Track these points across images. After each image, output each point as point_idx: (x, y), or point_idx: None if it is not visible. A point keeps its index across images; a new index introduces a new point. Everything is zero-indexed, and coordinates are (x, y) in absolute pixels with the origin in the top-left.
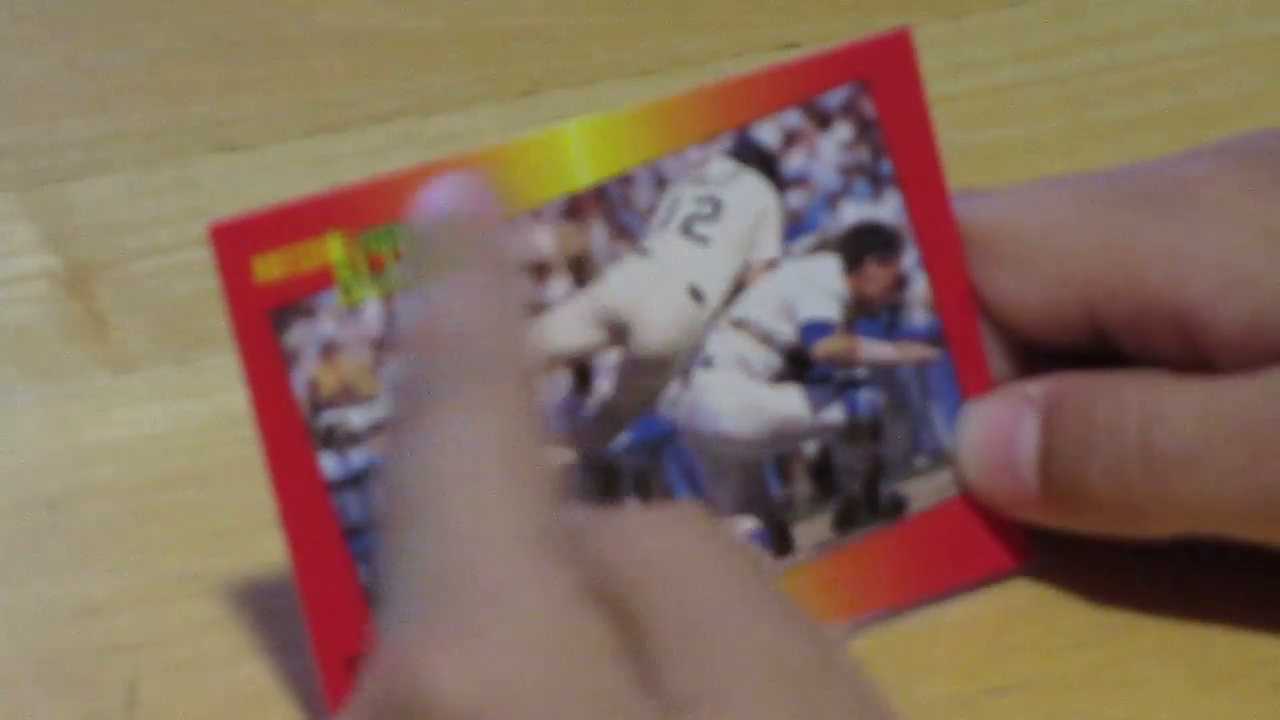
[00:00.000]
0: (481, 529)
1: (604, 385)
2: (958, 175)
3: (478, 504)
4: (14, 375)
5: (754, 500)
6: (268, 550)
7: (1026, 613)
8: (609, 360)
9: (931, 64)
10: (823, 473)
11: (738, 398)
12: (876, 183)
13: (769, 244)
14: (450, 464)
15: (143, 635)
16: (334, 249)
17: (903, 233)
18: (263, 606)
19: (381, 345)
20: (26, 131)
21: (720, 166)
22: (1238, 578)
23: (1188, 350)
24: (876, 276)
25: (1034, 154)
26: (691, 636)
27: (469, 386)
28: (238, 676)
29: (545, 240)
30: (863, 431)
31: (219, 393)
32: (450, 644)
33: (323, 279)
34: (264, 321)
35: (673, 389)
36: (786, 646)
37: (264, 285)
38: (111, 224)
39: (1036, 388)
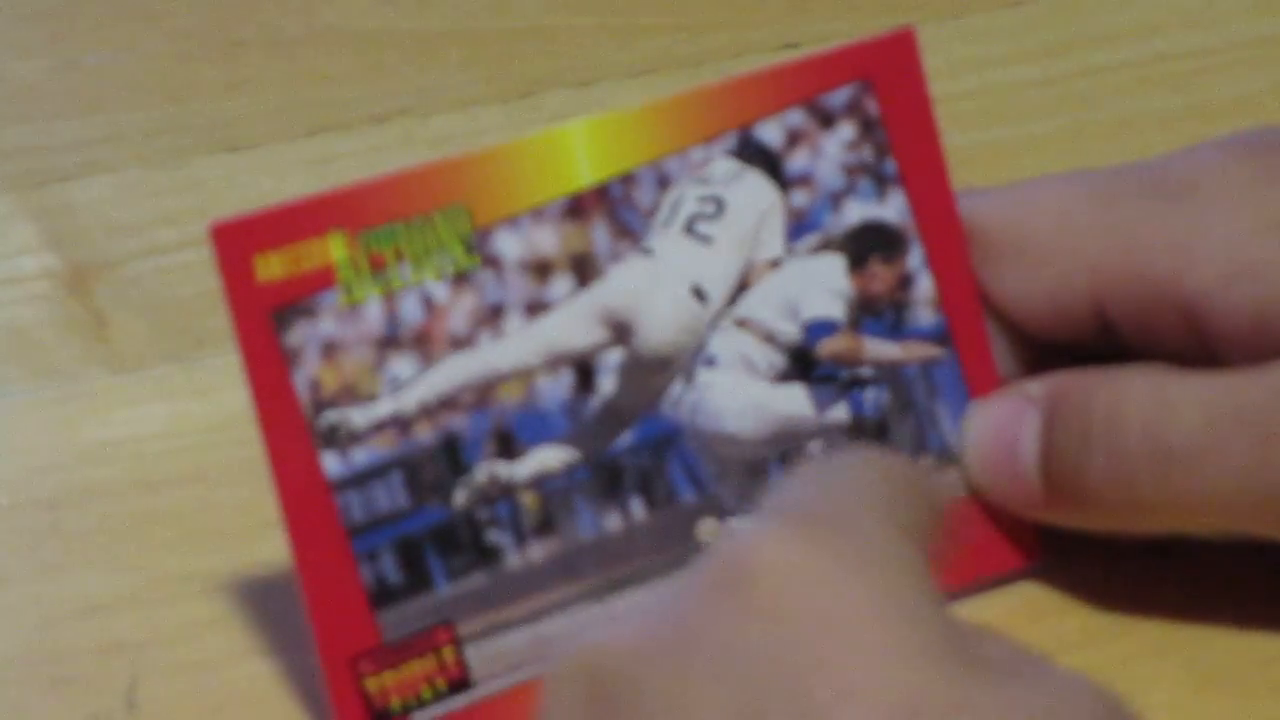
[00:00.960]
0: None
1: (606, 384)
2: (958, 176)
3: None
4: (14, 375)
5: (759, 499)
6: (268, 550)
7: (1026, 613)
8: (611, 359)
9: (931, 64)
10: None
11: (741, 397)
12: (880, 182)
13: (772, 243)
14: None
15: (143, 635)
16: (335, 248)
17: (907, 232)
18: (263, 606)
19: (383, 344)
20: (26, 132)
21: (723, 166)
22: (1237, 578)
23: (1193, 341)
24: (881, 275)
25: (1034, 154)
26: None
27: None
28: (237, 676)
29: (547, 240)
30: (869, 431)
31: (219, 392)
32: (793, 537)
33: (324, 278)
34: (265, 321)
35: (676, 388)
36: None
37: (265, 285)
38: (112, 224)
39: (1038, 386)
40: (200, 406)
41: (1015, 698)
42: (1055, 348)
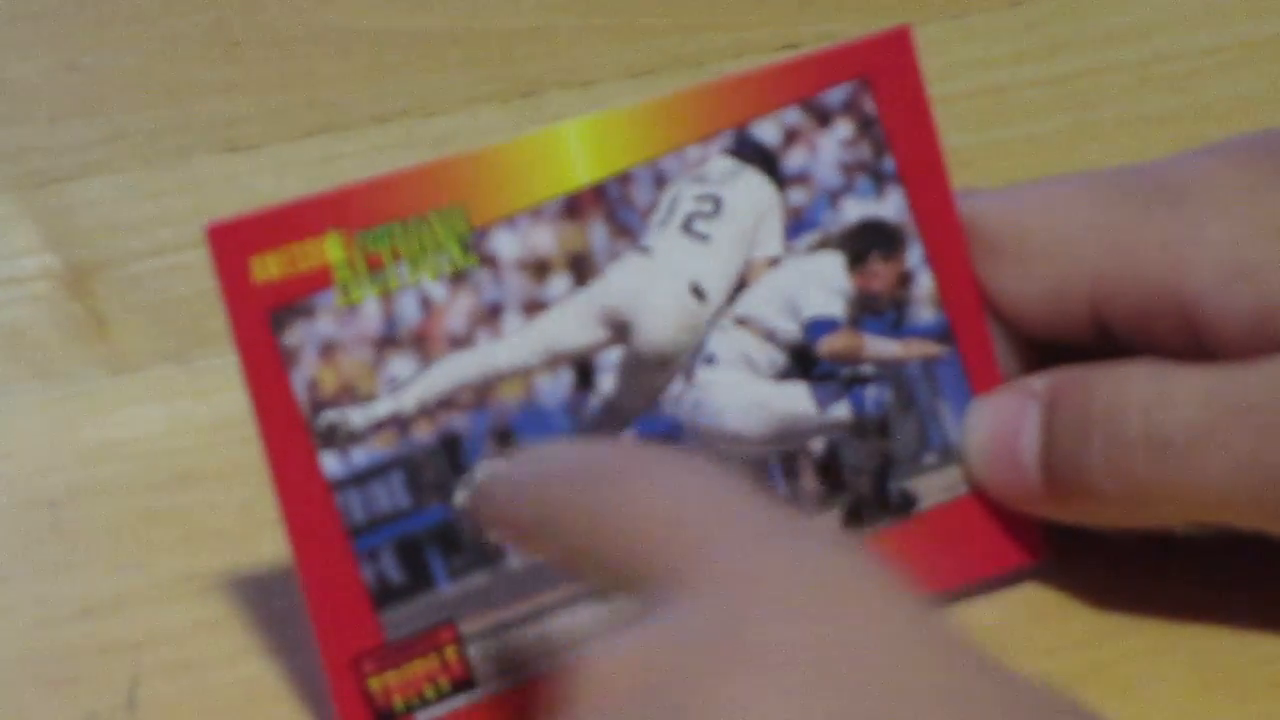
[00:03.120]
0: None
1: (606, 383)
2: (958, 176)
3: None
4: (15, 375)
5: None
6: (268, 550)
7: (1026, 613)
8: (611, 358)
9: (931, 64)
10: (830, 470)
11: (742, 395)
12: (879, 180)
13: (771, 241)
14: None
15: (143, 635)
16: (332, 249)
17: (907, 229)
18: (263, 606)
19: (381, 344)
20: (27, 132)
21: (720, 164)
22: (1238, 577)
23: (1190, 343)
24: (881, 273)
25: (1034, 154)
26: None
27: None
28: (238, 676)
29: (545, 239)
30: (870, 428)
31: (219, 393)
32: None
33: (321, 279)
34: (263, 321)
35: (676, 387)
36: None
37: (262, 285)
38: (112, 224)
39: (1040, 381)
40: (201, 407)
41: None
42: (1054, 348)
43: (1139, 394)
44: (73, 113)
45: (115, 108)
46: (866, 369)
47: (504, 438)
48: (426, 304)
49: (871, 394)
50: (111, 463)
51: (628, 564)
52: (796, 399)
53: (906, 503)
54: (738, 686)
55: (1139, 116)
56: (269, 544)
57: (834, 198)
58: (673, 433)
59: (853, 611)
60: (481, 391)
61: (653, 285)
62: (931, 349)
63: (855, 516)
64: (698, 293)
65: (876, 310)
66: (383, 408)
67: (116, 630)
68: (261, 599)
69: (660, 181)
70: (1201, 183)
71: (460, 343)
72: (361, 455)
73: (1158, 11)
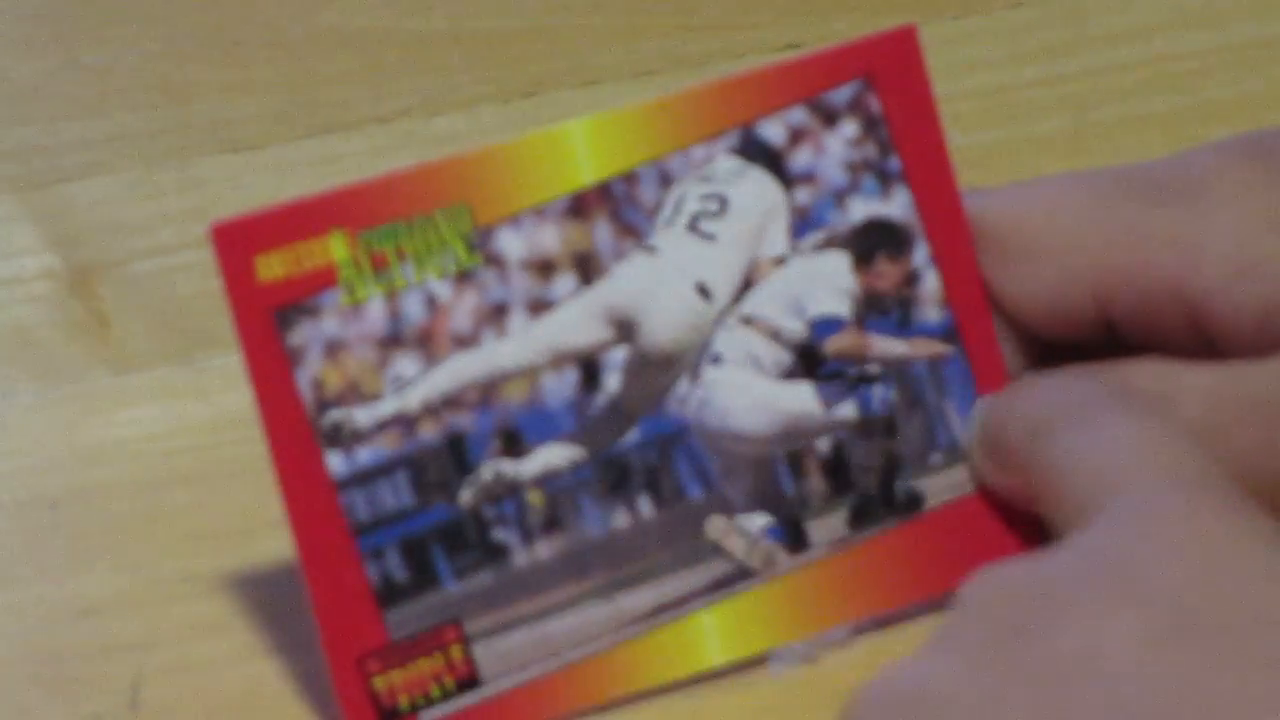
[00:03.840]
0: None
1: (612, 382)
2: (959, 176)
3: None
4: (16, 375)
5: (767, 496)
6: (270, 550)
7: None
8: (616, 357)
9: (932, 64)
10: (837, 469)
11: (748, 395)
12: (885, 179)
13: (777, 241)
14: None
15: (144, 635)
16: (336, 248)
17: (913, 228)
18: (266, 607)
19: (386, 343)
20: (28, 132)
21: (726, 164)
22: None
23: (1197, 339)
24: (887, 273)
25: (1034, 154)
26: None
27: None
28: (239, 677)
29: (549, 238)
30: (877, 428)
31: (221, 393)
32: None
33: (325, 278)
34: (267, 321)
35: (682, 386)
36: None
37: (267, 284)
38: (113, 224)
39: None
40: (202, 407)
41: None
42: (1060, 346)
43: (1144, 391)
44: (73, 113)
45: (115, 108)
46: (872, 368)
47: (509, 437)
48: (431, 303)
49: (878, 393)
50: (112, 463)
51: (1059, 508)
52: (802, 398)
53: (913, 502)
54: (1092, 617)
55: (1139, 117)
56: (271, 544)
57: (840, 197)
58: (679, 432)
59: (1232, 567)
60: (486, 391)
61: (658, 284)
62: (937, 348)
63: (861, 516)
64: (703, 292)
65: (882, 310)
66: (387, 407)
67: (118, 631)
68: (264, 599)
69: (666, 181)
70: (1207, 180)
71: (465, 342)
72: (366, 454)
73: (1158, 11)
